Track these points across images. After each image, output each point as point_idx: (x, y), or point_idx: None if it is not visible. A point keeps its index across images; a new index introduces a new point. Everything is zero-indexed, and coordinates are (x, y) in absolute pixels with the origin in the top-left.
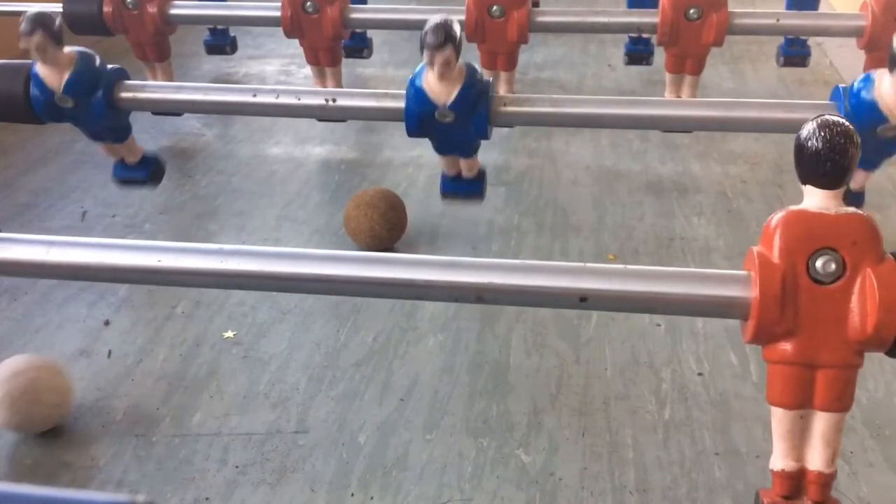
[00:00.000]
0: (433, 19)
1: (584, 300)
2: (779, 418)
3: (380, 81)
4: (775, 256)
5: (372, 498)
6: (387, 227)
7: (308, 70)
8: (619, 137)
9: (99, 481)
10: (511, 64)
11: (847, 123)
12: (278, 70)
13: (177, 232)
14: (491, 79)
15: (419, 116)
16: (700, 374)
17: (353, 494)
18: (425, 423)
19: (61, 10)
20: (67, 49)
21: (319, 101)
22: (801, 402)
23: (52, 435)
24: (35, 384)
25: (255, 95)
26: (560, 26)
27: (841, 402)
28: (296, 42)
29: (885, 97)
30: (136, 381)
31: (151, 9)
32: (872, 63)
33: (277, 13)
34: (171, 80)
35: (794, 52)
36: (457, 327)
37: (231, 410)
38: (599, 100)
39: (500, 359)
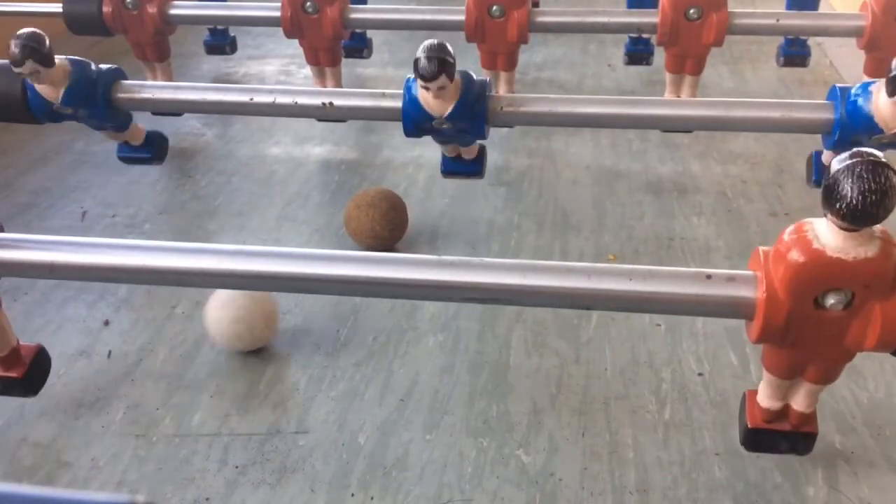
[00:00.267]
0: (425, 44)
1: (588, 303)
2: (769, 378)
3: (380, 81)
4: (783, 291)
5: (372, 498)
6: (388, 227)
7: (308, 70)
8: (618, 137)
9: (99, 481)
10: (511, 64)
11: (891, 174)
12: (278, 70)
13: (177, 232)
14: (488, 78)
15: (415, 123)
16: (700, 374)
17: (353, 494)
18: (425, 423)
19: (61, 9)
20: (59, 60)
21: (319, 101)
22: (792, 376)
23: (52, 435)
24: (257, 306)
25: (254, 96)
26: (560, 26)
27: (828, 379)
28: (295, 42)
29: (882, 111)
30: (136, 381)
31: (151, 9)
32: (872, 63)
33: (277, 13)
34: (170, 80)
35: (794, 52)
36: (457, 327)
37: (231, 410)
38: (599, 100)
39: (500, 359)
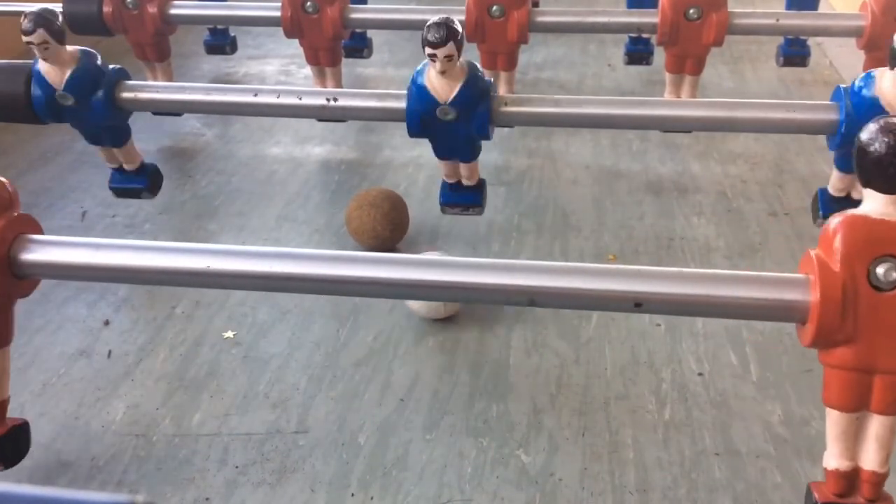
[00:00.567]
0: (434, 19)
1: (639, 305)
2: (834, 420)
3: (380, 81)
4: (836, 263)
5: (372, 498)
6: (389, 227)
7: (308, 70)
8: (618, 137)
9: (99, 481)
10: (511, 64)
11: None
12: (278, 70)
13: (177, 232)
14: (492, 79)
15: (420, 115)
16: (700, 374)
17: (353, 494)
18: (425, 423)
19: (61, 9)
20: (70, 48)
21: (320, 101)
22: (857, 405)
23: (52, 434)
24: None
25: (255, 95)
26: (560, 26)
27: None
28: (296, 42)
29: (887, 93)
30: (136, 381)
31: (151, 9)
32: (872, 63)
33: (277, 13)
34: (171, 80)
35: (794, 52)
36: (457, 327)
37: (231, 410)
38: (600, 100)
39: (500, 359)
